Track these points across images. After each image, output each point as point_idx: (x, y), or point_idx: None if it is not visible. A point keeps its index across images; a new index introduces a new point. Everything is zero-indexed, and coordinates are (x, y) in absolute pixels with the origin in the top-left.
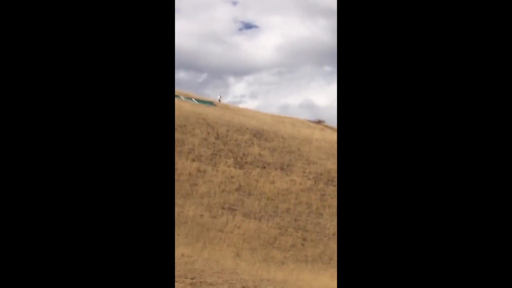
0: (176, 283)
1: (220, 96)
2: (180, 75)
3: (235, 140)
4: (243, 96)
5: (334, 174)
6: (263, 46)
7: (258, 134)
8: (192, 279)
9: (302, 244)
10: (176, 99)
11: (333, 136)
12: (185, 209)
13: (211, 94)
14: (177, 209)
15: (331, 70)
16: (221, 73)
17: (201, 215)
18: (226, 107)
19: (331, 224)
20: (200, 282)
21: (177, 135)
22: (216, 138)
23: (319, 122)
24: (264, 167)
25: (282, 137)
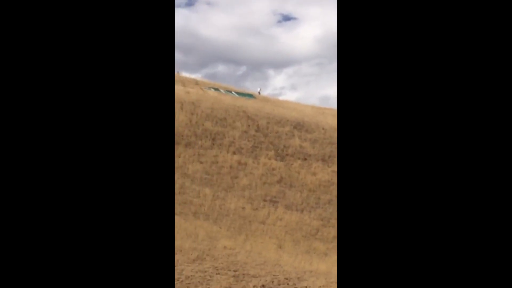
0: (218, 275)
1: (260, 89)
2: (219, 69)
3: (276, 132)
4: (283, 88)
5: None
6: (302, 38)
7: (299, 126)
8: (235, 271)
9: None
10: (216, 92)
11: None
12: (226, 202)
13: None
14: (218, 202)
15: None
16: (261, 65)
17: (243, 208)
18: (266, 100)
19: None
20: (243, 274)
21: (218, 128)
22: (256, 131)
23: None
24: (305, 159)
25: (323, 128)
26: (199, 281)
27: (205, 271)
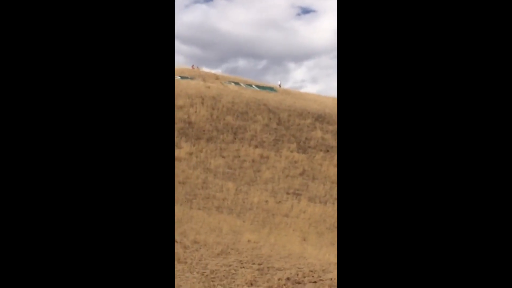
0: (243, 269)
1: (280, 82)
2: (239, 63)
3: (297, 125)
4: (304, 81)
5: None
6: (322, 30)
7: (320, 118)
8: (259, 264)
9: None
10: (236, 86)
11: None
12: (249, 196)
13: (271, 80)
14: (241, 196)
15: None
16: (281, 59)
17: (266, 201)
18: (287, 92)
19: None
20: (268, 267)
21: (239, 122)
22: (278, 124)
23: None
24: (328, 151)
25: None
26: (223, 275)
27: (230, 265)
